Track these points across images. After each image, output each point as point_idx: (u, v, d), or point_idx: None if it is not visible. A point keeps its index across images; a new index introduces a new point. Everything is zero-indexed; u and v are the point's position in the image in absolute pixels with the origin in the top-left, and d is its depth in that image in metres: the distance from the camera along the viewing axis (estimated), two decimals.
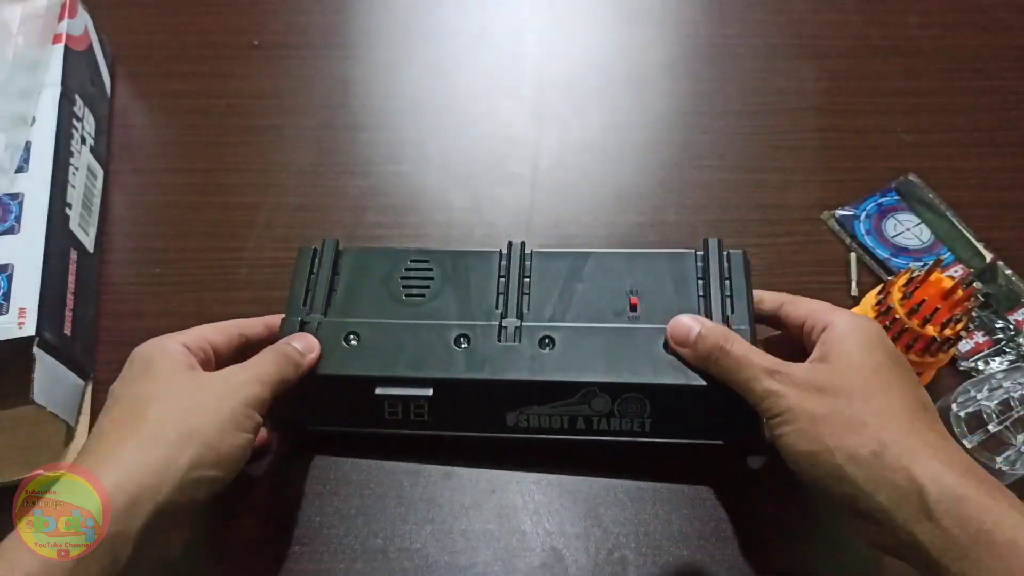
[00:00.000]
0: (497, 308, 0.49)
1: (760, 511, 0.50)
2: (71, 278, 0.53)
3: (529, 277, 0.50)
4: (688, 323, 0.45)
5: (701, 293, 0.49)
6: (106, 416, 0.41)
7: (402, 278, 0.51)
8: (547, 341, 0.47)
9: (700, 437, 0.48)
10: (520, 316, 0.49)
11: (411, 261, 0.51)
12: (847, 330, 0.42)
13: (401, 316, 0.49)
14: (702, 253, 0.50)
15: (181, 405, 0.40)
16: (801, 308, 0.45)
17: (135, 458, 0.37)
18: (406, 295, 0.50)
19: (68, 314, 0.51)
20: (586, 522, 0.49)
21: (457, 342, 0.48)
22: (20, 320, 0.47)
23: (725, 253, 0.50)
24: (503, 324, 0.48)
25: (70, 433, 0.51)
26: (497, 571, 0.47)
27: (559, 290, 0.50)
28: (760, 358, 0.42)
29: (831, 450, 0.38)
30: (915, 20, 0.72)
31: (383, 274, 0.51)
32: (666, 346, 0.46)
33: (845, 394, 0.39)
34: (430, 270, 0.51)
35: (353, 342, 0.48)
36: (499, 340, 0.48)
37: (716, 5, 0.73)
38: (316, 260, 0.51)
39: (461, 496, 0.50)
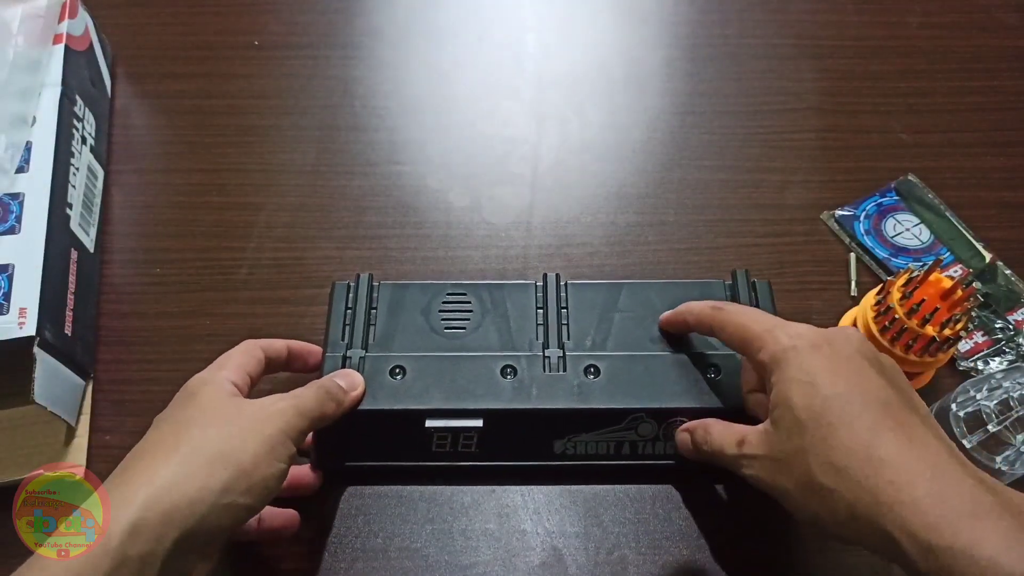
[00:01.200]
0: (538, 339, 0.50)
1: (761, 511, 0.50)
2: (71, 278, 0.53)
3: (566, 308, 0.51)
4: (682, 436, 0.45)
5: None
6: (147, 438, 0.41)
7: (441, 311, 0.51)
8: (592, 370, 0.48)
9: None
10: (562, 346, 0.49)
11: (448, 294, 0.52)
12: (780, 374, 0.39)
13: (444, 349, 0.49)
14: (730, 283, 0.52)
15: (218, 430, 0.40)
16: (735, 335, 0.43)
17: (170, 477, 0.37)
18: (446, 328, 0.51)
19: (68, 314, 0.52)
20: (586, 522, 0.49)
21: (503, 373, 0.48)
22: (20, 320, 0.47)
23: (751, 283, 0.52)
24: (547, 354, 0.49)
25: (70, 433, 0.51)
26: (497, 571, 0.47)
27: (597, 320, 0.51)
28: (727, 442, 0.41)
29: (823, 517, 0.37)
30: (915, 20, 0.72)
31: (421, 307, 0.51)
32: (707, 373, 0.48)
33: (801, 462, 0.37)
34: (468, 302, 0.52)
35: (399, 376, 0.48)
36: (544, 370, 0.48)
37: (716, 5, 0.73)
38: (350, 295, 0.52)
39: (461, 496, 0.50)
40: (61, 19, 0.60)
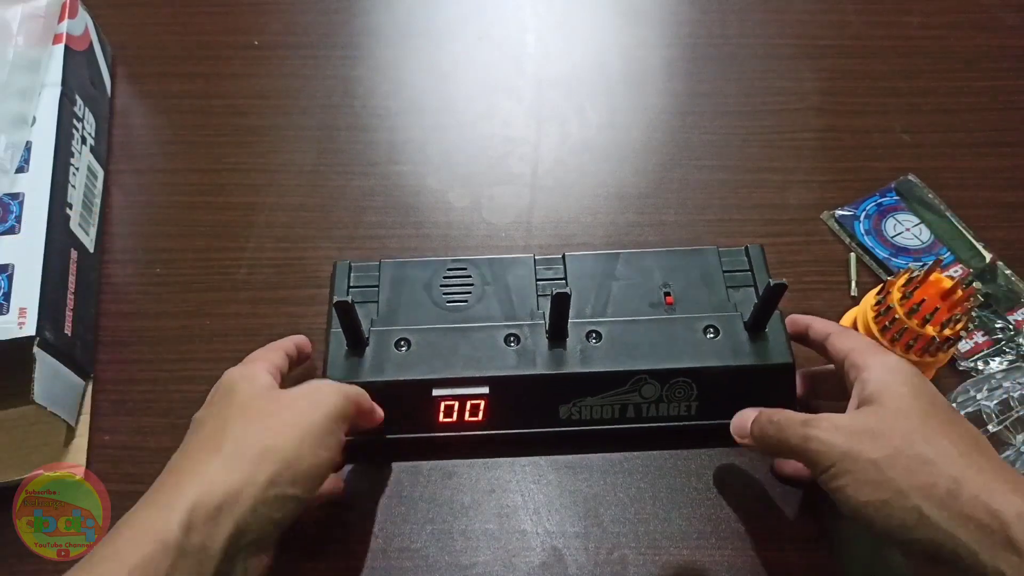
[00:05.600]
0: (539, 308, 0.51)
1: (760, 511, 0.50)
2: (71, 278, 0.53)
3: (565, 278, 0.52)
4: (745, 415, 0.45)
5: (729, 284, 0.52)
6: (188, 439, 0.41)
7: (442, 286, 0.52)
8: (593, 335, 0.49)
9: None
10: None
11: (448, 269, 0.53)
12: (889, 373, 0.41)
13: (447, 321, 0.50)
14: (723, 249, 0.54)
15: (260, 423, 0.40)
16: (844, 344, 0.45)
17: (217, 474, 0.37)
18: (448, 301, 0.51)
19: (68, 314, 0.51)
20: (586, 522, 0.49)
21: (507, 341, 0.49)
22: (20, 320, 0.47)
23: (744, 247, 0.54)
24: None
25: (70, 433, 0.51)
26: (497, 571, 0.47)
27: (596, 288, 0.52)
28: (799, 415, 0.42)
29: (903, 492, 0.36)
30: (915, 20, 0.72)
31: (423, 282, 0.52)
32: (706, 334, 0.49)
33: (903, 436, 0.38)
34: (469, 276, 0.52)
35: (404, 348, 0.49)
36: (547, 337, 0.49)
37: (716, 5, 0.73)
38: (352, 274, 0.52)
39: (461, 496, 0.50)
40: (61, 19, 0.60)
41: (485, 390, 0.48)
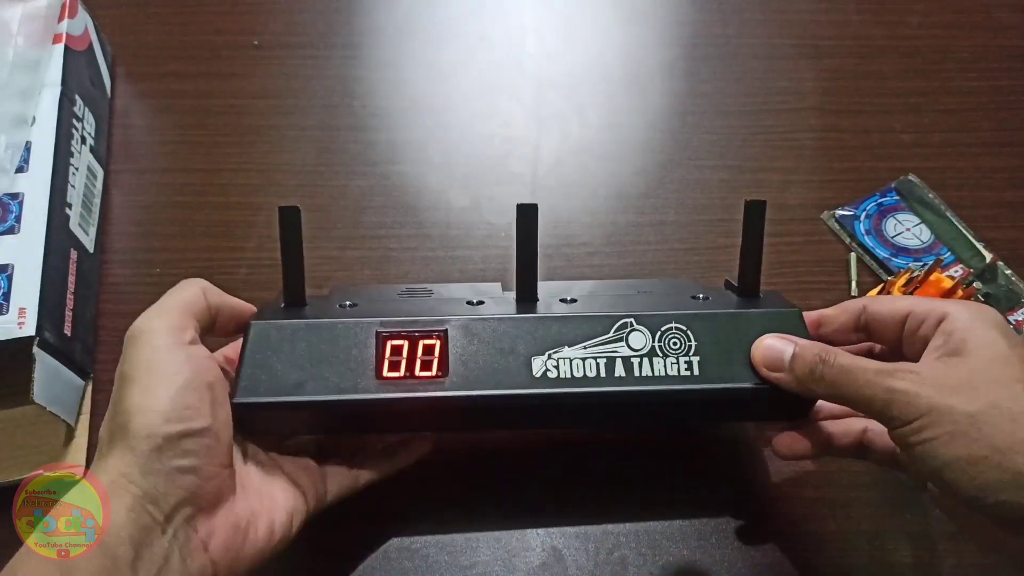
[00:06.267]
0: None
1: (760, 511, 0.50)
2: (71, 278, 0.53)
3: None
4: (778, 344, 0.39)
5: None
6: None
7: (399, 294, 0.49)
8: (568, 300, 0.44)
9: (751, 380, 0.40)
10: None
11: (406, 287, 0.50)
12: (975, 318, 0.36)
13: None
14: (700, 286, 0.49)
15: (130, 379, 0.37)
16: (898, 304, 0.40)
17: (104, 463, 0.36)
18: (410, 296, 0.49)
19: (68, 314, 0.51)
20: (586, 522, 0.49)
21: (470, 303, 0.43)
22: (20, 320, 0.47)
23: (725, 281, 0.48)
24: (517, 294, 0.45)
25: (70, 433, 0.51)
26: (497, 571, 0.47)
27: (570, 297, 0.47)
28: (871, 363, 0.36)
29: (1002, 450, 0.32)
30: (915, 20, 0.72)
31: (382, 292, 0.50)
32: (694, 298, 0.44)
33: (1001, 387, 0.33)
34: (431, 292, 0.49)
35: (350, 307, 0.43)
36: (516, 301, 0.44)
37: (716, 5, 0.73)
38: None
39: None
40: (61, 19, 0.60)
41: (443, 328, 0.40)
